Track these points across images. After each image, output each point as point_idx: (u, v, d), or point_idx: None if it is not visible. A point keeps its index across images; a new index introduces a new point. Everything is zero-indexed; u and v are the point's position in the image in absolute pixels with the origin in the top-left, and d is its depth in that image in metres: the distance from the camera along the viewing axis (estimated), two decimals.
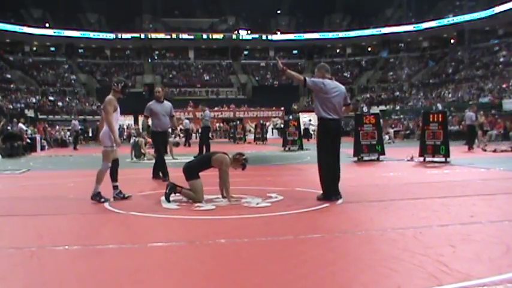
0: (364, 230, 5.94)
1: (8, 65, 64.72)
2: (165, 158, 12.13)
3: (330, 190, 7.89)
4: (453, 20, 64.31)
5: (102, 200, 8.02)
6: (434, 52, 68.70)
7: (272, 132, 43.11)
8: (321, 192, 7.96)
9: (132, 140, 21.40)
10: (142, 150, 18.86)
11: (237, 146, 33.10)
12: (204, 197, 8.06)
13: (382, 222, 6.43)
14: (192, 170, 8.12)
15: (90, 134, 43.56)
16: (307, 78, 8.16)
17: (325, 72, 8.30)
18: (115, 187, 8.40)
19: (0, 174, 14.23)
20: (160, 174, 11.93)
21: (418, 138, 21.02)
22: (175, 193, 8.07)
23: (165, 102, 11.97)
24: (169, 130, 13.78)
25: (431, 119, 15.94)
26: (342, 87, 8.33)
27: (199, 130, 26.34)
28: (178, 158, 17.91)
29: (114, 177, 8.43)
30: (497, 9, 57.67)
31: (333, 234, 5.68)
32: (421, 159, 15.89)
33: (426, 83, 61.38)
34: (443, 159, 15.22)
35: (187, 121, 35.81)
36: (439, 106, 44.59)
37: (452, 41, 67.93)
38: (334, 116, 8.05)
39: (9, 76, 61.76)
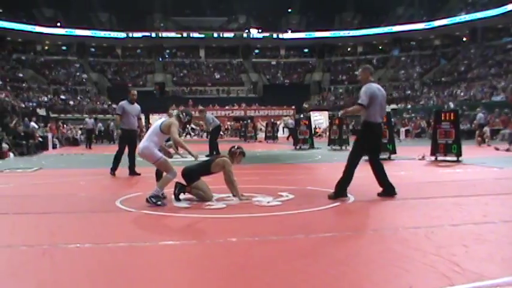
0: (375, 229, 5.92)
1: (20, 64, 65.13)
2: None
3: (343, 191, 7.90)
4: (465, 17, 63.88)
5: (159, 203, 7.57)
6: (446, 50, 68.33)
7: (283, 130, 43.10)
8: (333, 191, 7.94)
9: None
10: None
11: (248, 144, 33.10)
12: (213, 195, 8.05)
13: (394, 221, 6.40)
14: (191, 175, 8.07)
15: (96, 133, 43.15)
16: (363, 102, 7.96)
17: (370, 74, 8.28)
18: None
19: (13, 173, 14.30)
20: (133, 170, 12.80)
21: (430, 137, 20.91)
22: (184, 193, 8.06)
23: (136, 104, 13.11)
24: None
25: (443, 118, 15.85)
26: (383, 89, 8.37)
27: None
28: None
29: (158, 179, 8.32)
30: (510, 6, 57.21)
31: (344, 233, 5.66)
32: (433, 158, 15.81)
33: (438, 82, 61.07)
34: (455, 158, 15.13)
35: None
36: (451, 105, 44.39)
37: (464, 39, 67.50)
38: (380, 120, 8.15)
39: (21, 75, 62.13)
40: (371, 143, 8.20)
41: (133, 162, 12.73)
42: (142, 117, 16.12)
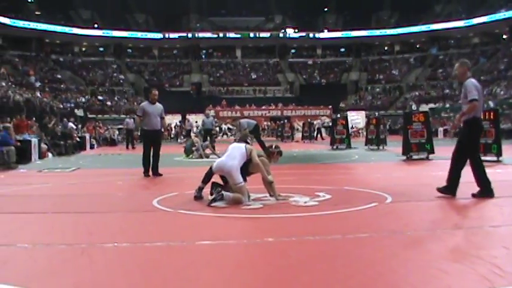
0: (413, 230, 5.84)
1: (58, 65, 66.39)
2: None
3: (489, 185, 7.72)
4: (505, 14, 62.61)
5: (211, 203, 7.48)
6: (486, 48, 67.15)
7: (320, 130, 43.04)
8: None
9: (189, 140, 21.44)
10: (194, 149, 18.98)
11: (285, 144, 33.05)
12: (251, 195, 7.99)
13: (432, 222, 6.32)
14: None
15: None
16: (475, 97, 7.86)
17: (468, 69, 8.18)
18: (200, 188, 8.22)
19: (52, 172, 14.52)
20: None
21: None
22: (219, 199, 7.92)
23: (157, 104, 12.88)
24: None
25: (482, 117, 15.58)
26: None
27: None
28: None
29: (205, 180, 8.24)
30: None
31: (382, 234, 5.60)
32: None
33: (477, 80, 59.82)
34: (495, 158, 14.87)
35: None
36: (491, 104, 43.66)
37: (504, 36, 66.25)
38: (481, 115, 8.03)
39: (59, 76, 63.28)
40: (476, 140, 8.07)
41: (157, 163, 12.69)
42: (178, 117, 16.10)
